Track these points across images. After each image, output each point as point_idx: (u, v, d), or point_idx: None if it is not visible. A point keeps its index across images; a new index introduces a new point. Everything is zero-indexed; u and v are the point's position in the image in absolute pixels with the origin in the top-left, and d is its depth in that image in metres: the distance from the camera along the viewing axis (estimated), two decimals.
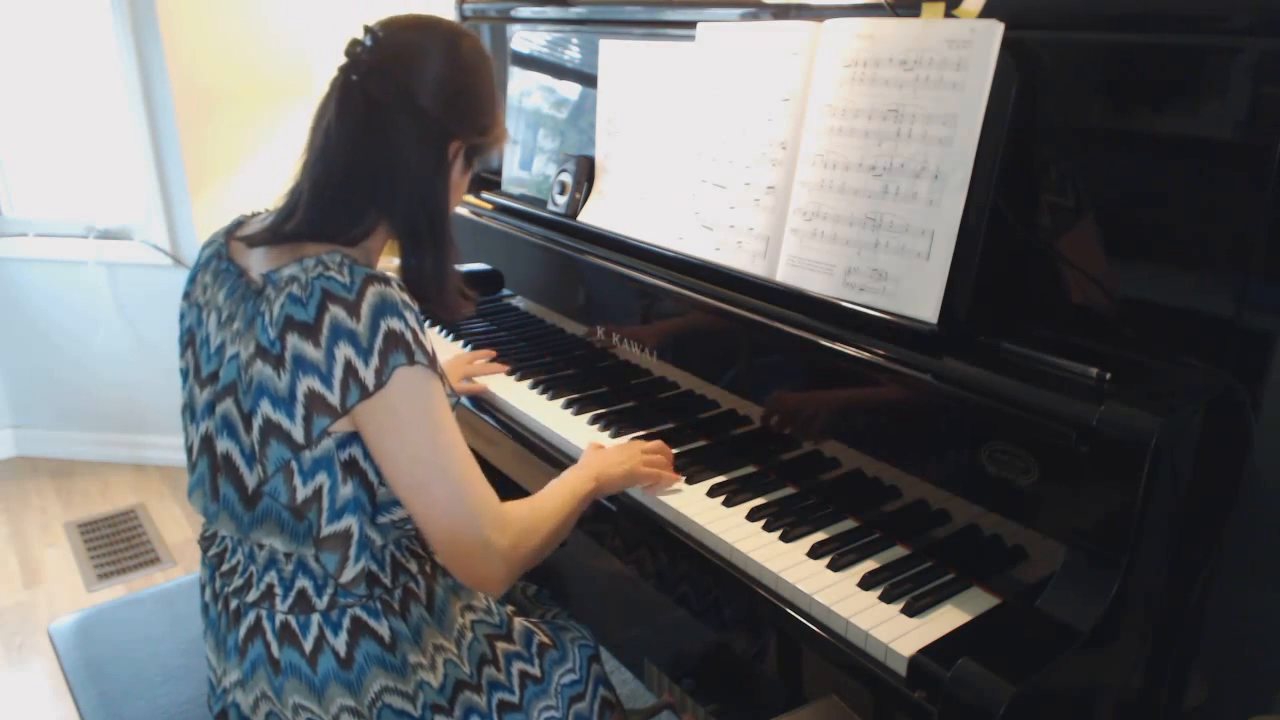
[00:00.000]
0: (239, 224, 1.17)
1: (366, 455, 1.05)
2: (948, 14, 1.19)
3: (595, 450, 1.36)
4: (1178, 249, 1.08)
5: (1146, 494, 0.92)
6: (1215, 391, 1.01)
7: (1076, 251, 1.15)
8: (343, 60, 1.09)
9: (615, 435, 1.47)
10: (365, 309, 0.99)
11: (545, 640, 1.28)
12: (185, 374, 1.15)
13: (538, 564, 1.15)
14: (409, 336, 1.00)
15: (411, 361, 1.00)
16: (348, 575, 1.07)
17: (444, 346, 1.88)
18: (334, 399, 0.99)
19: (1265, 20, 0.96)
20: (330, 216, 1.08)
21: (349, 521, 1.06)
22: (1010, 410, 1.02)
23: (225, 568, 1.15)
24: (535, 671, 1.24)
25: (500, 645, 1.23)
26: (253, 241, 1.10)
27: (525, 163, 1.93)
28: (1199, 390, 1.01)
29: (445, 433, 1.04)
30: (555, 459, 1.47)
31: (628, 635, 2.02)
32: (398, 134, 1.08)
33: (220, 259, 1.13)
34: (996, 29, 1.08)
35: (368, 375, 0.98)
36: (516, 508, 1.13)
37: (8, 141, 2.99)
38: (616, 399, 1.58)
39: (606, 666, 1.38)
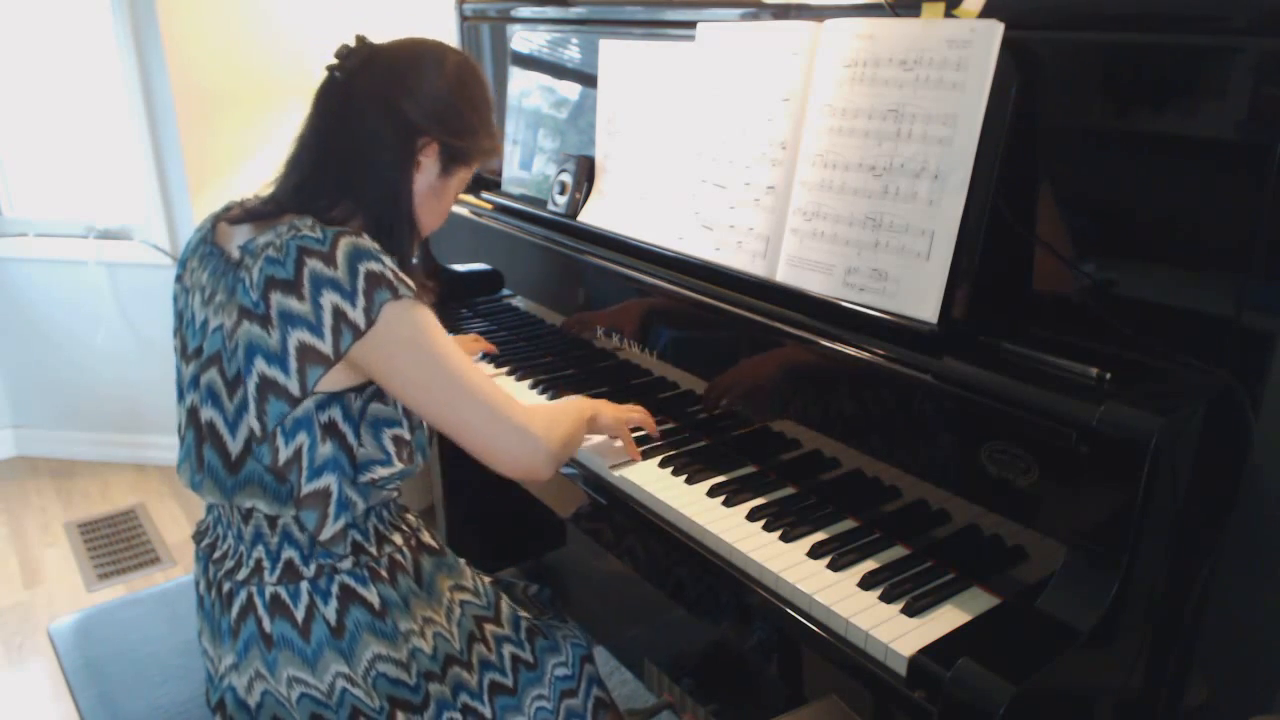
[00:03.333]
0: (227, 209, 1.20)
1: (345, 417, 1.08)
2: (948, 14, 1.19)
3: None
4: (1178, 249, 1.08)
5: (1146, 494, 0.92)
6: (1215, 391, 1.01)
7: (1076, 251, 1.15)
8: (331, 61, 1.15)
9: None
10: (340, 256, 1.02)
11: (535, 629, 1.29)
12: (177, 354, 1.18)
13: (567, 459, 1.22)
14: (389, 275, 1.03)
15: (396, 295, 1.03)
16: (327, 533, 1.10)
17: None
18: (326, 347, 1.02)
19: (1265, 20, 0.96)
20: (305, 198, 1.12)
21: (328, 480, 1.09)
22: (1010, 410, 1.02)
23: (217, 555, 1.18)
24: (528, 656, 1.25)
25: (488, 627, 1.25)
26: (235, 219, 1.14)
27: (525, 163, 1.92)
28: (1199, 390, 1.01)
29: (448, 351, 1.08)
30: None
31: (627, 635, 2.02)
32: (369, 126, 1.13)
33: (205, 243, 1.16)
34: (996, 29, 1.08)
35: (357, 316, 1.01)
36: (535, 407, 1.21)
37: (8, 141, 2.99)
38: (616, 399, 1.58)
39: (607, 667, 1.38)
